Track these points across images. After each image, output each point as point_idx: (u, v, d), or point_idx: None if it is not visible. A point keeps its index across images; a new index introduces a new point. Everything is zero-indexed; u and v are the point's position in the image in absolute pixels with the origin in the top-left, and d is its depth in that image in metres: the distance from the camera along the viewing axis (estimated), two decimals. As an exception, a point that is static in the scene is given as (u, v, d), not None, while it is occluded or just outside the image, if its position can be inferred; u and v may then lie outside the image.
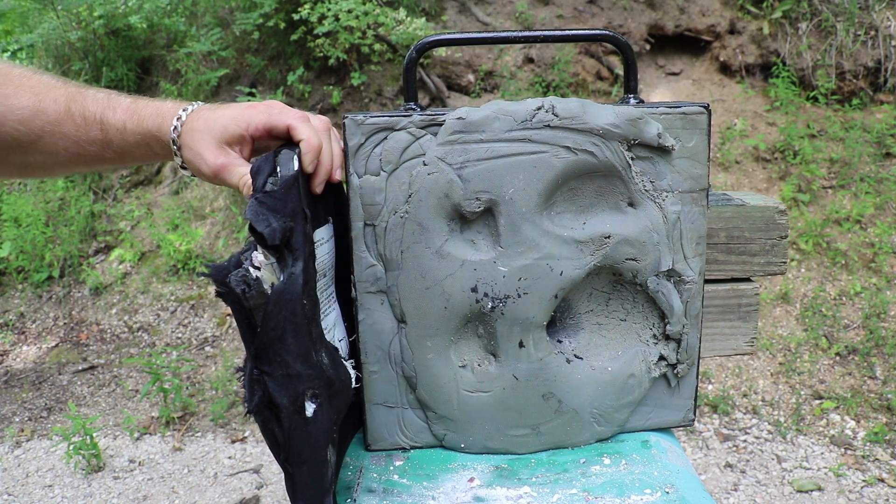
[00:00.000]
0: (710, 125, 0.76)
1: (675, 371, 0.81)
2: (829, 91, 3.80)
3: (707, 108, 0.76)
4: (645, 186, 0.76)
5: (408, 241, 0.74)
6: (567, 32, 0.82)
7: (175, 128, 0.71)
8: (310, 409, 0.63)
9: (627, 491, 0.72)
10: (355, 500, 0.72)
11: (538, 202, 0.73)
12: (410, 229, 0.74)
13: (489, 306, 0.75)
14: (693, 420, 0.85)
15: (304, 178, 0.66)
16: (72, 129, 0.73)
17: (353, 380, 0.74)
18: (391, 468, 0.78)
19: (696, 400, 0.85)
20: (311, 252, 0.66)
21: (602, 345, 0.81)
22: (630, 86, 0.80)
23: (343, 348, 0.76)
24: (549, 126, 0.72)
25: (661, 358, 0.81)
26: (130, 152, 0.75)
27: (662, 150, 0.75)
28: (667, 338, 0.81)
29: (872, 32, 3.81)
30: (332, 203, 0.76)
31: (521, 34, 0.79)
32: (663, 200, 0.76)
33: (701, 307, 0.81)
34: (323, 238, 0.72)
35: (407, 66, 0.78)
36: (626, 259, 0.76)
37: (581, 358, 0.80)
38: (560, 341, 0.81)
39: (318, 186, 0.69)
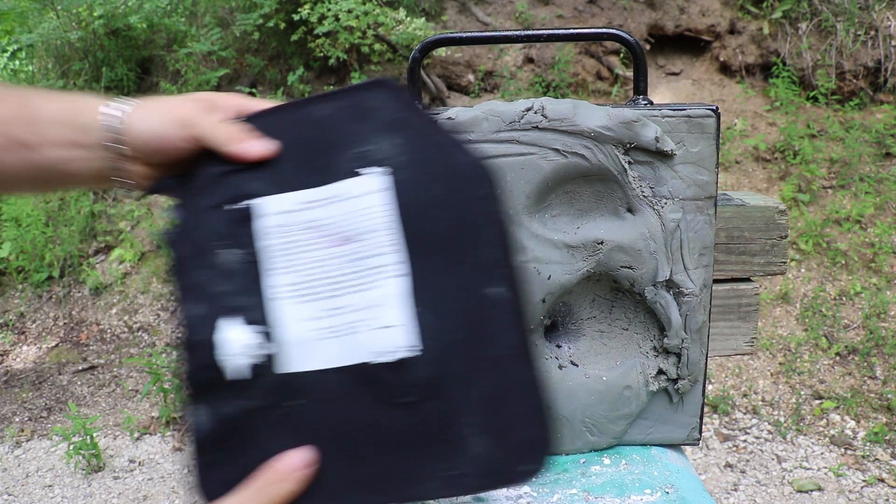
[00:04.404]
0: (718, 129, 0.71)
1: (676, 387, 0.78)
2: (829, 91, 3.80)
3: (716, 111, 0.71)
4: (644, 192, 0.72)
5: None
6: (574, 31, 0.79)
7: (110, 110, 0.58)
8: None
9: (627, 491, 0.72)
10: (355, 500, 0.72)
11: (526, 204, 0.72)
12: None
13: None
14: (699, 439, 0.81)
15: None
16: None
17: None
18: (391, 468, 0.78)
19: (701, 418, 0.80)
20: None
21: (602, 353, 0.79)
22: (640, 87, 0.76)
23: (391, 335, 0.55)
24: (537, 127, 0.70)
25: (661, 372, 0.78)
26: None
27: (662, 155, 0.71)
28: (666, 351, 0.77)
29: (872, 32, 3.81)
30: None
31: (525, 33, 0.77)
32: (662, 207, 0.72)
33: (707, 321, 0.76)
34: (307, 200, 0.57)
35: (411, 66, 0.77)
36: (621, 267, 0.74)
37: (577, 365, 0.78)
38: (560, 346, 0.79)
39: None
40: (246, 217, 0.57)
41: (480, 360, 0.51)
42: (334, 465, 0.53)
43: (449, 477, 0.51)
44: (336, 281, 0.55)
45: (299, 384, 0.54)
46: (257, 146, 0.56)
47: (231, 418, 0.54)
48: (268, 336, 0.54)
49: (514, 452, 0.50)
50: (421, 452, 0.51)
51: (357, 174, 0.55)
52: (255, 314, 0.55)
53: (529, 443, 0.50)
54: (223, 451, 0.54)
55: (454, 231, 0.54)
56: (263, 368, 0.54)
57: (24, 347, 3.49)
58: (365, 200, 0.55)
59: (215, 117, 0.57)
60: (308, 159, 0.57)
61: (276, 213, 0.56)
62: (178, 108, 0.57)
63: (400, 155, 0.55)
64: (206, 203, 0.58)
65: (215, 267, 0.57)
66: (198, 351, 0.54)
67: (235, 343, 0.54)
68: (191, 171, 0.58)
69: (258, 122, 0.58)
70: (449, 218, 0.54)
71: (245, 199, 0.57)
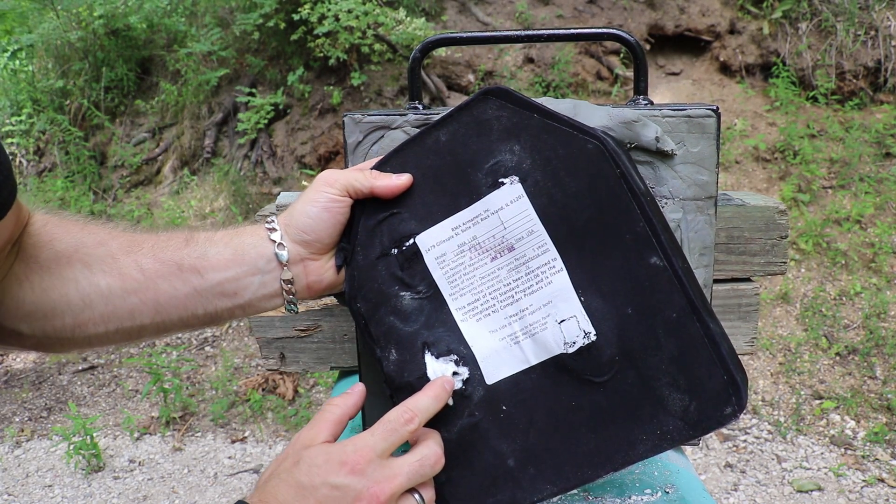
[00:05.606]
0: (719, 130, 0.71)
1: None
2: (829, 91, 3.80)
3: (716, 111, 0.71)
4: (644, 192, 0.73)
5: None
6: (574, 31, 0.78)
7: (271, 216, 0.66)
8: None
9: (627, 491, 0.72)
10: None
11: None
12: None
13: None
14: (699, 439, 0.82)
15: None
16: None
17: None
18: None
19: None
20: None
21: None
22: (640, 87, 0.75)
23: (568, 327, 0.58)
24: None
25: None
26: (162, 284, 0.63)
27: (662, 155, 0.71)
28: None
29: (872, 32, 3.81)
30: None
31: (525, 33, 0.76)
32: (662, 207, 0.72)
33: None
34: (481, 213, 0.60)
35: (411, 66, 0.77)
36: None
37: None
38: None
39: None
40: (414, 254, 0.61)
41: (658, 326, 0.54)
42: (552, 450, 0.57)
43: (659, 435, 0.54)
44: (510, 289, 0.59)
45: (503, 389, 0.59)
46: (395, 178, 0.62)
47: (456, 438, 0.59)
48: (466, 358, 0.60)
49: (711, 400, 0.53)
50: (627, 420, 0.55)
51: (499, 184, 0.59)
52: (450, 342, 0.60)
53: (722, 389, 0.53)
54: (457, 468, 0.59)
55: (599, 216, 0.56)
56: (470, 387, 0.59)
57: (24, 347, 3.48)
58: (513, 208, 0.58)
59: (350, 171, 0.63)
60: (446, 185, 0.61)
61: (436, 243, 0.61)
62: (319, 179, 0.63)
63: (525, 160, 0.58)
64: (373, 255, 0.63)
65: (401, 309, 0.62)
66: (411, 392, 0.59)
67: (442, 374, 0.59)
68: (349, 231, 0.64)
69: (385, 167, 0.63)
70: (590, 206, 0.56)
71: (406, 240, 0.62)
